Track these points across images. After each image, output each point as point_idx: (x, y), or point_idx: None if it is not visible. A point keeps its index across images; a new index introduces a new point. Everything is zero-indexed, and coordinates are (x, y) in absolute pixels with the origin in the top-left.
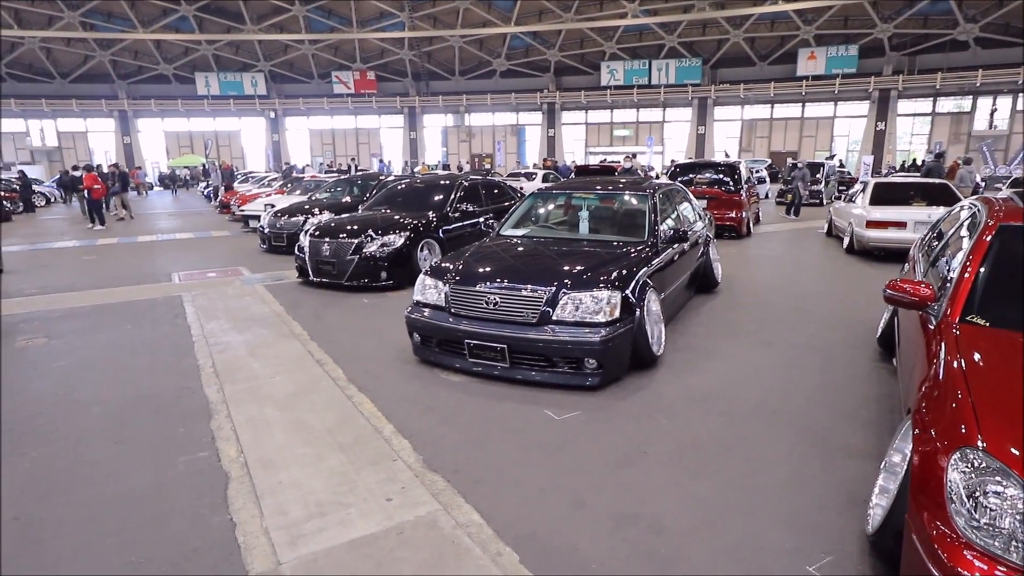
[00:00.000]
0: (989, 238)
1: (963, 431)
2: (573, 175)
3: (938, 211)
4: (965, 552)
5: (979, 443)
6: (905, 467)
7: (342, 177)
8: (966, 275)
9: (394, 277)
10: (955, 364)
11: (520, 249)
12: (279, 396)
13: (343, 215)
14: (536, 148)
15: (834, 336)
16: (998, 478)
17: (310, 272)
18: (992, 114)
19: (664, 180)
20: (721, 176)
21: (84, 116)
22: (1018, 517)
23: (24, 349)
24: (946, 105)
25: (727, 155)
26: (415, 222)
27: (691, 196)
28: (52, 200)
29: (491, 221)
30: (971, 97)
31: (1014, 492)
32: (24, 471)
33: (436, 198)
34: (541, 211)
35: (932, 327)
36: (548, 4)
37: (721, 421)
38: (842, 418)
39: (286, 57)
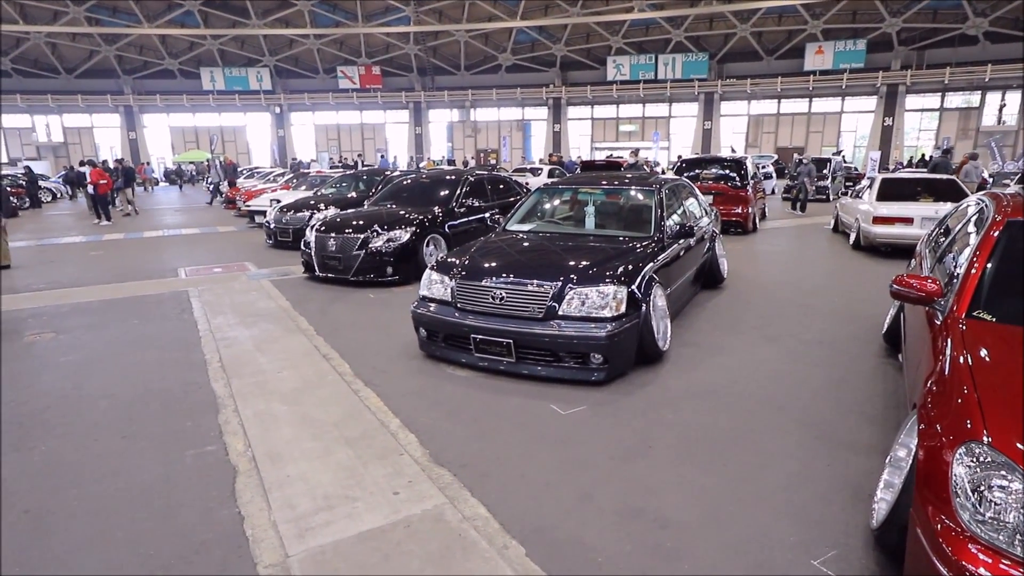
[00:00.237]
0: (996, 233)
1: (968, 426)
2: (579, 171)
3: (945, 207)
4: (970, 546)
5: (984, 438)
6: (910, 462)
7: (348, 173)
8: (973, 270)
9: (400, 272)
10: (961, 359)
11: (526, 244)
12: (286, 391)
13: (349, 210)
14: (542, 143)
15: (840, 332)
16: (1003, 472)
17: (316, 267)
18: (1001, 109)
19: (670, 175)
20: (727, 172)
21: (89, 112)
22: (1023, 511)
23: (32, 344)
24: (954, 100)
25: (733, 150)
26: (421, 217)
27: (697, 192)
28: (58, 196)
29: (497, 216)
30: (980, 92)
31: (1019, 486)
32: (34, 464)
33: (442, 193)
34: (547, 206)
35: (938, 322)
36: None
37: (727, 416)
38: (848, 413)
39: (291, 52)
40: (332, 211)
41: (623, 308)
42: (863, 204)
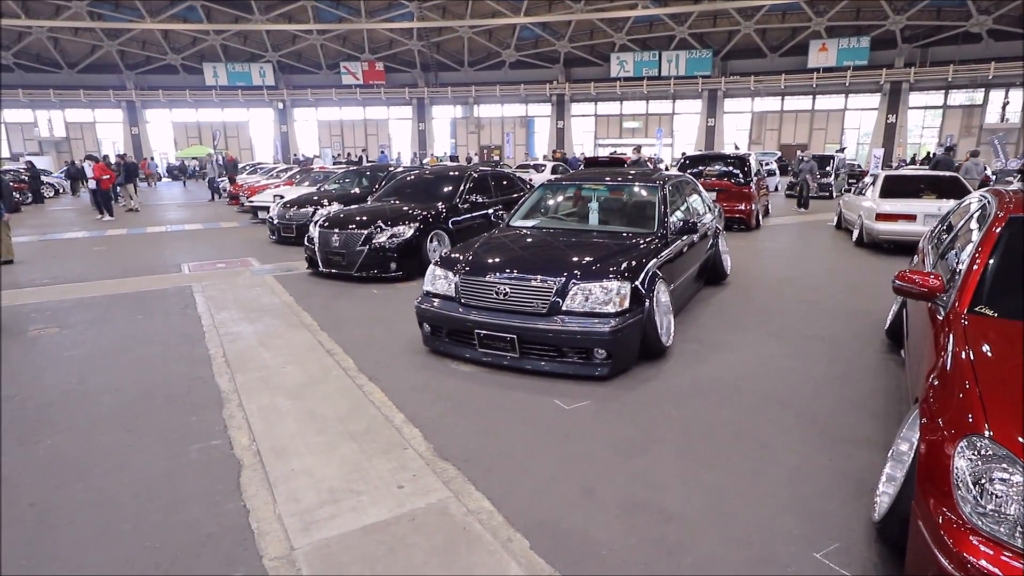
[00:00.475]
0: (999, 230)
1: (970, 420)
2: (582, 167)
3: (948, 204)
4: (971, 538)
5: (986, 431)
6: (912, 455)
7: (351, 168)
8: (975, 266)
9: (403, 268)
10: (963, 354)
11: (530, 240)
12: (290, 385)
13: (352, 206)
14: (545, 140)
15: (843, 328)
16: (1004, 465)
17: (320, 263)
18: (1004, 107)
19: (673, 172)
20: (731, 168)
21: (92, 107)
22: (1023, 503)
23: (37, 338)
24: (958, 98)
25: (737, 147)
26: (424, 213)
27: (700, 188)
28: (60, 191)
29: (500, 212)
30: (983, 90)
31: (1020, 479)
32: (40, 458)
33: (445, 189)
34: (551, 202)
35: (941, 318)
36: None
37: (730, 411)
38: (850, 409)
39: (294, 47)
40: (335, 207)
41: (627, 304)
42: (866, 201)
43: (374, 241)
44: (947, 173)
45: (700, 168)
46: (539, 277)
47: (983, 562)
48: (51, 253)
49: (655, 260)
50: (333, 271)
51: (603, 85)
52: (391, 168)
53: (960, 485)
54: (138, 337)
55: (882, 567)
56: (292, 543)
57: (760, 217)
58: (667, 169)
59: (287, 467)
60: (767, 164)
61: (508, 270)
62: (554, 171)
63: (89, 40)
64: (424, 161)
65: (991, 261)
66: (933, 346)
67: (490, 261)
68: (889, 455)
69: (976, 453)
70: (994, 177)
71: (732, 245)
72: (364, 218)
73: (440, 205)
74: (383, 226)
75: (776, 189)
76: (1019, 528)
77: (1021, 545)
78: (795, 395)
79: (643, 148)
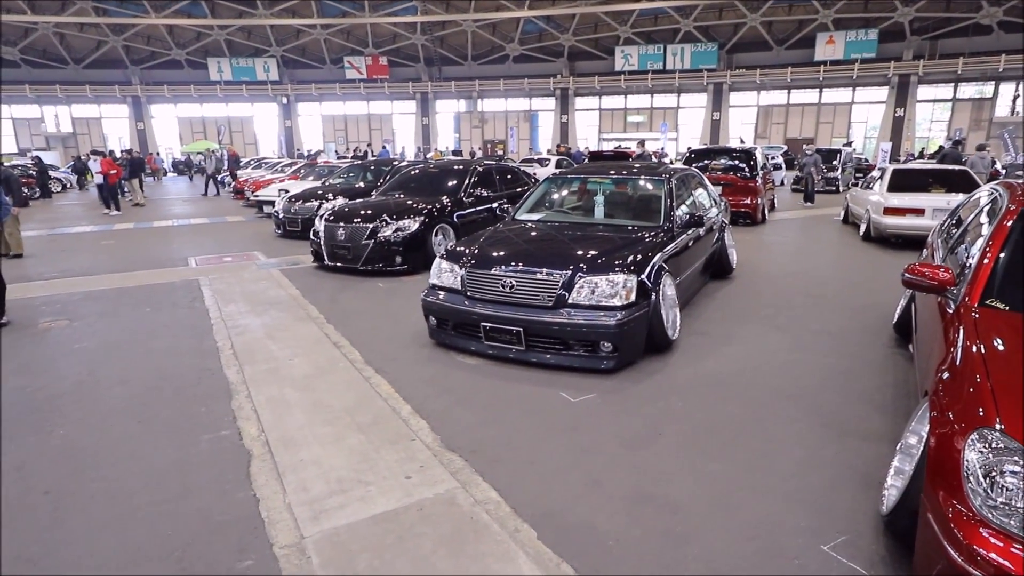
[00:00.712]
0: (1010, 223)
1: (981, 413)
2: (587, 161)
3: (957, 198)
4: (981, 530)
5: (997, 424)
6: (921, 448)
7: (356, 163)
8: (986, 259)
9: (408, 262)
10: (974, 348)
11: (536, 233)
12: (298, 377)
13: (357, 200)
14: (549, 134)
15: (850, 322)
16: (1015, 458)
17: (325, 256)
18: (1015, 100)
19: (678, 166)
20: (736, 162)
21: (98, 102)
22: None
23: (47, 331)
24: (967, 91)
25: (742, 141)
26: (429, 207)
27: (707, 181)
28: (68, 186)
29: (506, 206)
30: (993, 82)
31: None
32: (53, 448)
33: (450, 183)
34: (556, 196)
35: (951, 311)
36: None
37: (736, 404)
38: (857, 402)
39: (298, 42)
40: (341, 201)
41: (633, 297)
42: (874, 195)
43: (379, 235)
44: (956, 167)
45: (705, 162)
46: (545, 270)
47: (993, 555)
48: (60, 247)
49: (661, 254)
50: (339, 265)
51: (607, 79)
52: (395, 162)
53: (970, 478)
54: (147, 330)
55: (890, 560)
56: (302, 532)
57: (766, 211)
58: (671, 163)
59: (296, 457)
60: (773, 158)
61: (514, 263)
62: (558, 166)
63: (94, 36)
64: (428, 156)
65: (1002, 254)
66: (943, 340)
67: (496, 254)
68: (898, 448)
69: (987, 446)
70: (1004, 171)
71: (738, 239)
72: (369, 212)
73: (445, 199)
74: (388, 220)
75: (782, 183)
76: None
77: None
78: (801, 389)
79: (647, 143)
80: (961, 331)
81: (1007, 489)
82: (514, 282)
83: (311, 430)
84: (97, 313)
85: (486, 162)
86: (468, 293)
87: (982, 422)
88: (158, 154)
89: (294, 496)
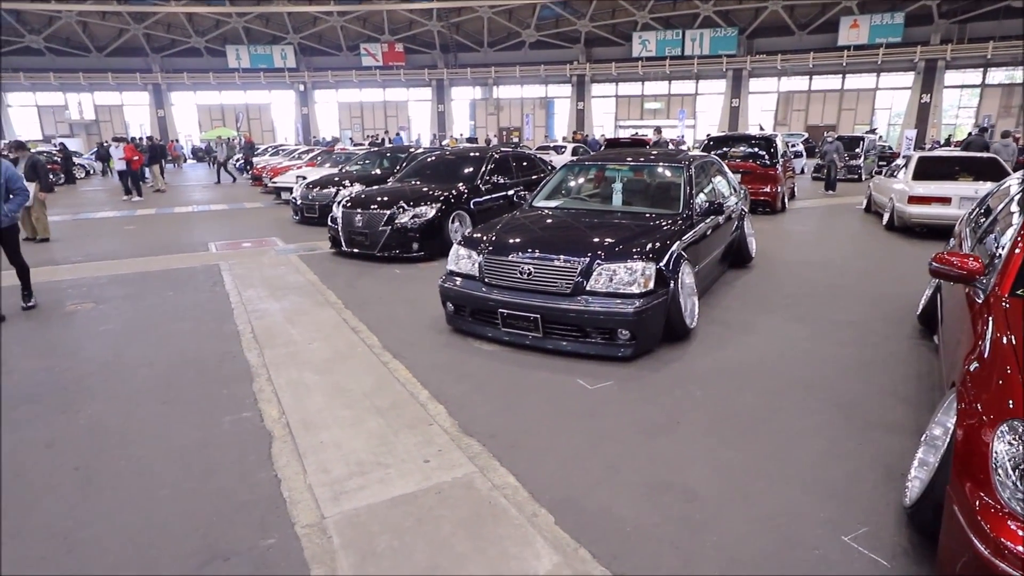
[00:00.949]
0: None
1: (1011, 405)
2: (603, 149)
3: (985, 186)
4: (1009, 523)
5: None
6: (947, 440)
7: (372, 150)
8: (1017, 249)
9: (425, 248)
10: (1004, 338)
11: (553, 220)
12: (317, 361)
13: (374, 187)
14: (565, 121)
15: (872, 312)
16: None
17: (343, 243)
18: None
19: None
20: (756, 150)
21: (120, 89)
22: None
23: (74, 313)
24: (997, 76)
25: (761, 128)
26: (446, 194)
27: (726, 169)
28: (91, 172)
29: (522, 193)
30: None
31: None
32: (81, 427)
33: (467, 170)
34: (574, 183)
35: (980, 301)
36: None
37: (755, 394)
38: (879, 394)
39: (315, 29)
40: (358, 187)
41: (651, 284)
42: (898, 183)
43: (397, 221)
44: (984, 154)
45: (724, 150)
46: (563, 257)
47: (1021, 547)
48: (84, 232)
49: (680, 242)
50: (356, 251)
51: (624, 65)
52: (412, 149)
53: (999, 470)
54: (170, 313)
55: (912, 553)
56: (323, 512)
57: (786, 200)
58: (690, 151)
59: (316, 439)
60: (793, 146)
61: (532, 250)
62: (574, 153)
63: (116, 24)
64: (443, 142)
65: None
66: (971, 330)
67: (514, 241)
68: (922, 440)
69: (1017, 437)
70: None
71: (757, 228)
72: (386, 199)
73: (462, 186)
74: (405, 206)
75: (802, 171)
76: None
77: None
78: (821, 379)
79: (664, 130)
80: (990, 321)
81: None
82: (532, 269)
83: (331, 413)
84: (121, 296)
85: (502, 149)
86: (486, 280)
87: (1011, 414)
88: (177, 141)
89: (315, 477)
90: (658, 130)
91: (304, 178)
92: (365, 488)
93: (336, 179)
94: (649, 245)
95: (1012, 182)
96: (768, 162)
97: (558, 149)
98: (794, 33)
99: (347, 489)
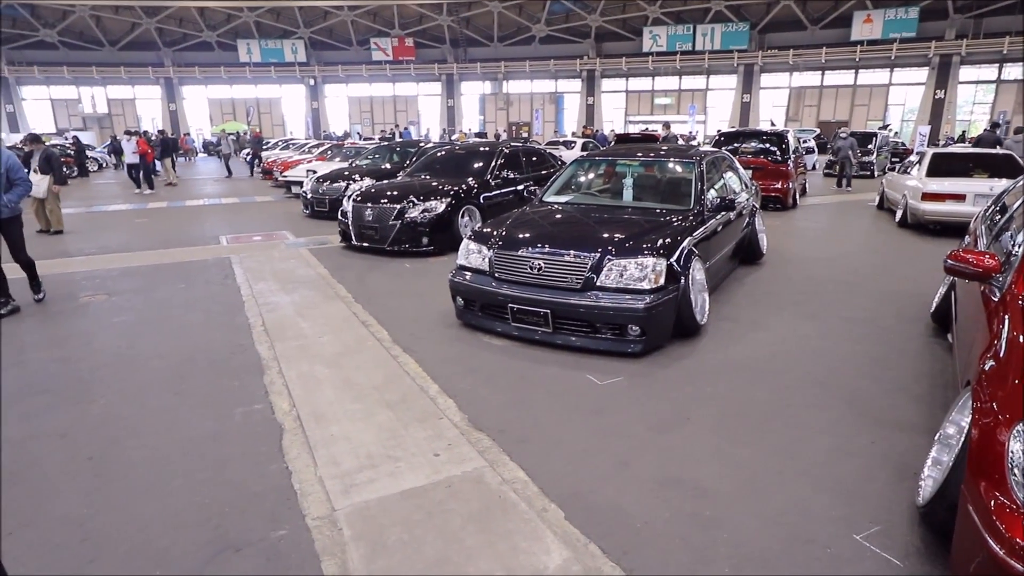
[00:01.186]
0: None
1: None
2: (613, 144)
3: (1001, 183)
4: None
5: None
6: (962, 439)
7: (382, 144)
8: None
9: (435, 243)
10: (1021, 338)
11: (564, 216)
12: (327, 355)
13: (384, 181)
14: (575, 116)
15: (885, 310)
16: None
17: (353, 237)
18: None
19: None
20: (767, 146)
21: (132, 83)
22: None
23: (87, 304)
24: (1013, 72)
25: (772, 124)
26: (456, 188)
27: (737, 164)
28: (103, 165)
29: (532, 188)
30: None
31: None
32: (94, 417)
33: (476, 165)
34: (584, 178)
35: (996, 299)
36: None
37: (765, 391)
38: (892, 392)
39: (325, 24)
40: (368, 182)
41: (662, 280)
42: (911, 180)
43: (407, 216)
44: (1000, 151)
45: (735, 145)
46: (573, 252)
47: None
48: (97, 224)
49: (691, 237)
50: (366, 245)
51: (635, 60)
52: (421, 144)
53: (1015, 469)
54: (181, 305)
55: (925, 552)
56: (333, 504)
57: (797, 196)
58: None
59: (326, 432)
60: (805, 142)
61: (542, 245)
62: (584, 148)
63: (129, 18)
64: (452, 137)
65: None
66: (987, 328)
67: (524, 236)
68: (936, 439)
69: None
70: None
71: (768, 224)
72: (397, 193)
73: (471, 181)
74: (415, 201)
75: (814, 168)
76: None
77: None
78: (833, 376)
79: (674, 125)
80: (1007, 320)
81: None
82: (542, 264)
83: (341, 406)
84: (134, 288)
85: (512, 144)
86: (496, 274)
87: None
88: (188, 135)
89: (325, 470)
90: (666, 125)
91: (314, 172)
92: (375, 481)
93: (346, 173)
94: (660, 241)
95: None
96: (779, 158)
97: (568, 144)
98: (806, 28)
99: (357, 482)
